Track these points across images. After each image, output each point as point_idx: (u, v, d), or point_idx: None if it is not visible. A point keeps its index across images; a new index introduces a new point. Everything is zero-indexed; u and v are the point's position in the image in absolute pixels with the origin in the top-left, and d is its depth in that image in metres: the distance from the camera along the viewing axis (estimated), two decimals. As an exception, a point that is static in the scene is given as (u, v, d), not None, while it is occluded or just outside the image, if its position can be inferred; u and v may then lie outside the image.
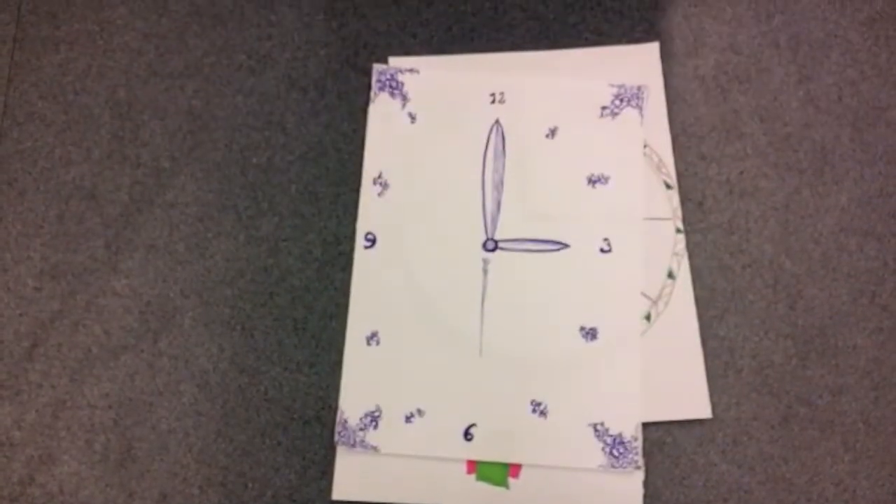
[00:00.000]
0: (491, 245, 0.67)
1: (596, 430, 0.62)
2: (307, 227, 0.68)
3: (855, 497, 0.61)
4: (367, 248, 0.67)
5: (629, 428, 0.62)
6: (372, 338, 0.64)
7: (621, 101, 0.69)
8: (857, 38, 0.72)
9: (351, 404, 0.62)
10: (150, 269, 0.67)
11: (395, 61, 0.71)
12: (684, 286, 0.65)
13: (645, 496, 0.61)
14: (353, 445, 0.61)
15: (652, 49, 0.71)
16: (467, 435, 0.62)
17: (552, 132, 0.69)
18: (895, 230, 0.67)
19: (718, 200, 0.68)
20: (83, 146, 0.70)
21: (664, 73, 0.71)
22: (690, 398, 0.63)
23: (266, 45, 0.72)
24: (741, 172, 0.69)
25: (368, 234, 0.67)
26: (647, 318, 0.65)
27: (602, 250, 0.66)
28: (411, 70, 0.70)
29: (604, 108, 0.69)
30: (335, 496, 0.61)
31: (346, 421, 0.62)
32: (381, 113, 0.70)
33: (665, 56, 0.71)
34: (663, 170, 0.69)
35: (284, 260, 0.67)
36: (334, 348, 0.64)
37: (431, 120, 0.69)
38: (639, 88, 0.70)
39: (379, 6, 0.73)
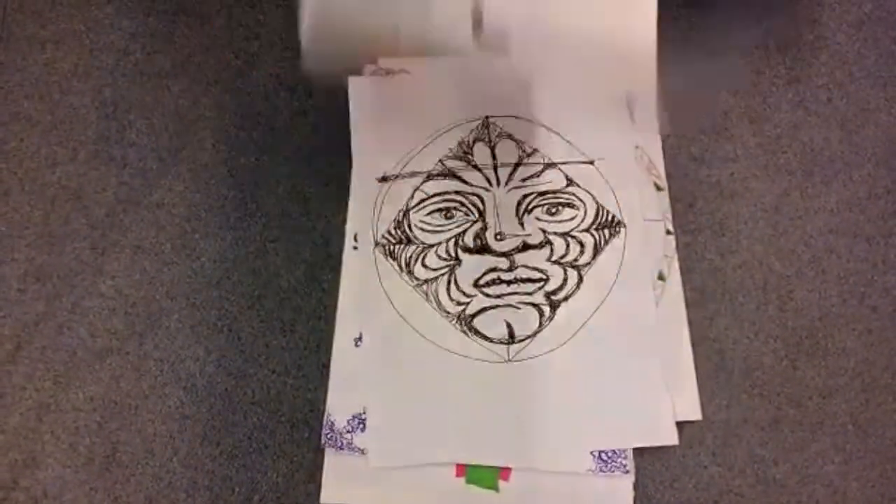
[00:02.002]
0: None
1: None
2: (295, 228, 0.67)
3: (846, 499, 0.61)
4: (355, 249, 0.66)
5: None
6: (360, 340, 0.64)
7: None
8: (846, 40, 0.73)
9: (338, 407, 0.62)
10: (136, 271, 0.66)
11: (384, 62, 0.71)
12: (674, 288, 0.65)
13: (635, 499, 0.60)
14: (341, 448, 0.61)
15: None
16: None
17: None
18: (884, 231, 0.67)
19: (708, 202, 0.68)
20: (69, 146, 0.69)
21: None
22: (680, 400, 0.62)
23: (254, 45, 0.72)
24: (731, 174, 0.69)
25: (357, 235, 0.66)
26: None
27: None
28: (402, 71, 0.70)
29: None
30: (323, 500, 0.60)
31: (332, 423, 0.61)
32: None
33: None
34: (654, 171, 0.68)
35: (272, 261, 0.66)
36: (322, 350, 0.64)
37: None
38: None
39: (368, 6, 0.72)
